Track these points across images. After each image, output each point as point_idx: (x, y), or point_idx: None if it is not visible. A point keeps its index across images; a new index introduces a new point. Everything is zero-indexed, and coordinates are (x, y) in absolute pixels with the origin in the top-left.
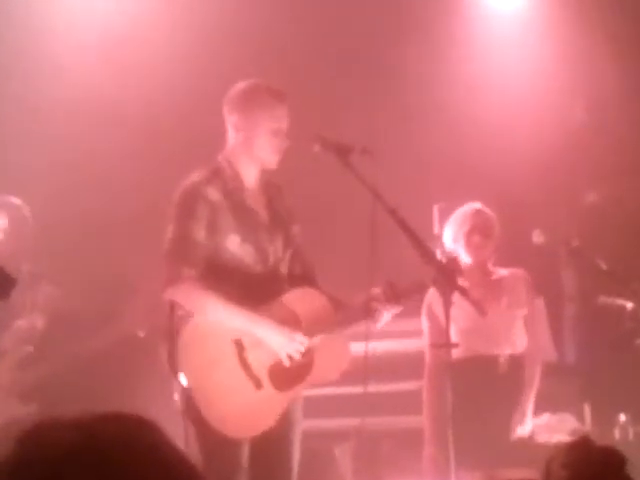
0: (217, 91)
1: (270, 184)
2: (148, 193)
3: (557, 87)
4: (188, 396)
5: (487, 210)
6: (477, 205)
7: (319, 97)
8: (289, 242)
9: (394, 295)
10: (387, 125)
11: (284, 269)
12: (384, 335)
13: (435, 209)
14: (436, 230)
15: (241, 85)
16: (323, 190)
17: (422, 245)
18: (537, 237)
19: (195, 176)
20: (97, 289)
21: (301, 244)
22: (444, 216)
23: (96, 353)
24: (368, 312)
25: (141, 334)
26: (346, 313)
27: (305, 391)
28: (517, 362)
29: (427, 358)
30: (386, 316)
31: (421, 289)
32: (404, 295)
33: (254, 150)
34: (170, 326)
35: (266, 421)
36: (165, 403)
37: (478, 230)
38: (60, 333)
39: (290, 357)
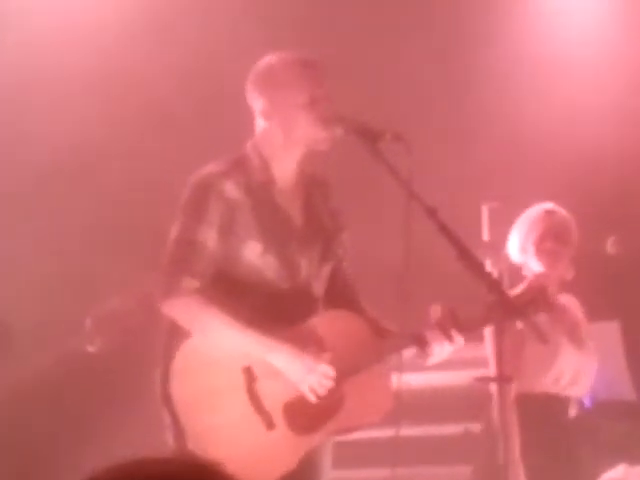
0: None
1: (313, 180)
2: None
3: None
4: (180, 434)
5: (562, 211)
6: (549, 205)
7: (347, 73)
8: (328, 254)
9: (455, 326)
10: (427, 108)
11: (318, 288)
12: (421, 366)
13: (484, 210)
14: (485, 236)
15: (262, 63)
16: (345, 184)
17: (468, 254)
18: (612, 246)
19: (212, 166)
20: (43, 295)
21: (346, 258)
22: (496, 219)
23: (38, 376)
24: (418, 345)
25: (91, 349)
26: (391, 344)
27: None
28: (585, 408)
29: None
30: (440, 351)
31: (492, 321)
32: (468, 327)
33: (295, 131)
34: (168, 347)
35: (275, 470)
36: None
37: (551, 235)
38: None
39: (314, 392)
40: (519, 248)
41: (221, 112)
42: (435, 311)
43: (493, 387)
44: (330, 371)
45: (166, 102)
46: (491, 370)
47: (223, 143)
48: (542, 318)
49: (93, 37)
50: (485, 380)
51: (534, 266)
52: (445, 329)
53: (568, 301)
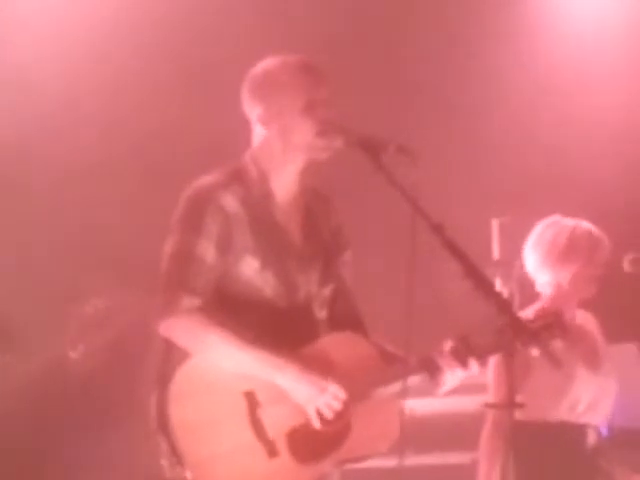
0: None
1: (313, 194)
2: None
3: None
4: (179, 462)
5: (586, 226)
6: (572, 221)
7: (351, 81)
8: (330, 274)
9: (467, 353)
10: (434, 118)
11: (319, 309)
12: (427, 391)
13: (494, 225)
14: (496, 254)
15: (257, 68)
16: (346, 199)
17: (476, 273)
18: (630, 264)
19: (210, 178)
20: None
21: (349, 278)
22: (506, 234)
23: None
24: (428, 371)
25: (73, 355)
26: (399, 369)
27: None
28: (603, 435)
29: (487, 421)
30: (451, 379)
31: (506, 346)
32: (482, 353)
33: (293, 137)
34: (164, 370)
35: None
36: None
37: (574, 252)
38: None
39: (321, 415)
40: (539, 263)
41: (211, 123)
42: (448, 343)
43: (491, 414)
44: (340, 392)
45: (154, 114)
46: (490, 396)
47: (215, 156)
48: (557, 343)
49: (95, 52)
50: (495, 406)
51: (552, 284)
52: (459, 356)
53: (585, 320)
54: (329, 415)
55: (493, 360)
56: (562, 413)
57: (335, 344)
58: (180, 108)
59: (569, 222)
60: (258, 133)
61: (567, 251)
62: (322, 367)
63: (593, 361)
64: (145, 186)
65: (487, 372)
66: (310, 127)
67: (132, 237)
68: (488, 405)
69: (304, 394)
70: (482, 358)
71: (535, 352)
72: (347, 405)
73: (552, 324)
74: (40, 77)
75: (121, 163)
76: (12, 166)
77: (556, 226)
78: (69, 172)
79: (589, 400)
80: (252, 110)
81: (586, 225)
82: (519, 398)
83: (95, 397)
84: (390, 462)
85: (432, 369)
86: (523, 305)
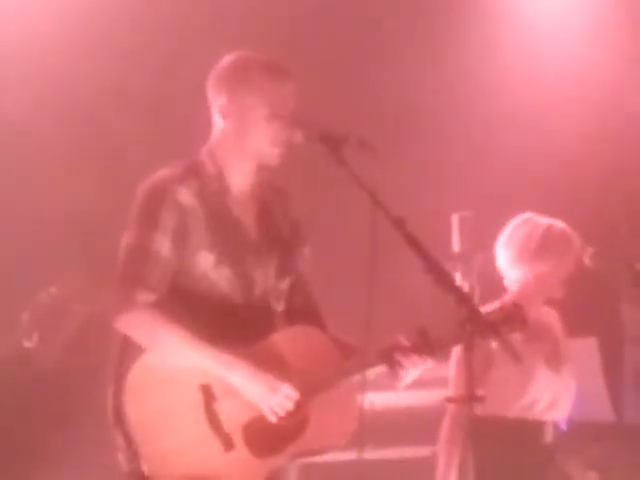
0: (195, 71)
1: (271, 189)
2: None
3: (617, 71)
4: (134, 456)
5: (561, 226)
6: (547, 219)
7: (313, 79)
8: (287, 268)
9: (426, 346)
10: (394, 113)
11: (277, 303)
12: (387, 385)
13: (455, 219)
14: (456, 247)
15: (230, 59)
16: (307, 193)
17: (436, 267)
18: (590, 259)
19: (165, 172)
20: None
21: (307, 272)
22: (466, 229)
23: None
24: (387, 364)
25: (28, 344)
26: (357, 363)
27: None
28: (561, 430)
29: (447, 415)
30: (411, 372)
31: (466, 339)
32: (440, 346)
33: (248, 140)
34: (120, 364)
35: None
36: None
37: (547, 252)
38: None
39: (275, 413)
40: (514, 259)
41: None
42: (404, 338)
43: (451, 407)
44: (293, 393)
45: (129, 99)
46: (451, 390)
47: (180, 145)
48: (517, 338)
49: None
50: (456, 400)
51: (520, 281)
52: (419, 350)
53: (550, 317)
54: (282, 414)
55: (455, 354)
56: (521, 409)
57: (291, 338)
58: (145, 101)
59: (543, 220)
60: (217, 122)
61: (541, 249)
62: (277, 362)
63: (554, 360)
64: (104, 175)
65: (448, 366)
66: (266, 137)
67: (92, 227)
68: (449, 399)
69: (256, 393)
70: (441, 351)
71: (494, 345)
72: (301, 404)
73: (512, 317)
74: None
75: (82, 152)
76: None
77: (530, 223)
78: (28, 161)
79: (549, 399)
80: (215, 99)
81: (560, 224)
82: (480, 392)
83: (55, 388)
84: (350, 455)
85: (391, 362)
86: (484, 299)
